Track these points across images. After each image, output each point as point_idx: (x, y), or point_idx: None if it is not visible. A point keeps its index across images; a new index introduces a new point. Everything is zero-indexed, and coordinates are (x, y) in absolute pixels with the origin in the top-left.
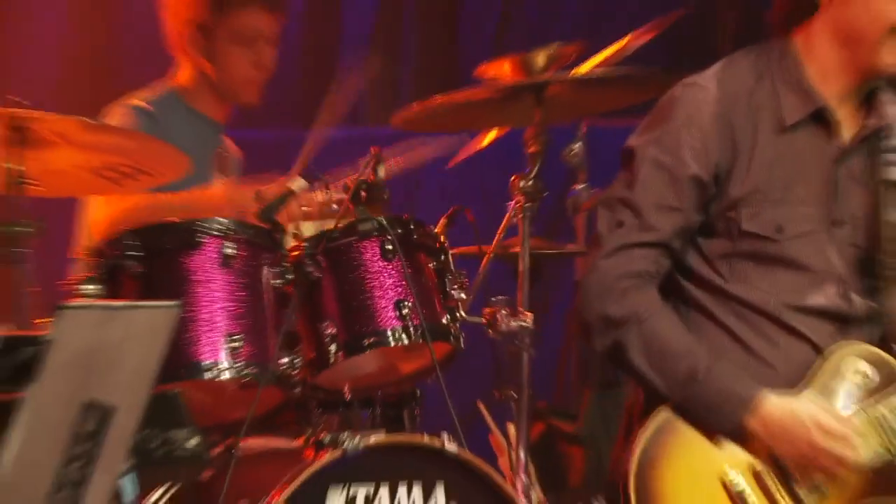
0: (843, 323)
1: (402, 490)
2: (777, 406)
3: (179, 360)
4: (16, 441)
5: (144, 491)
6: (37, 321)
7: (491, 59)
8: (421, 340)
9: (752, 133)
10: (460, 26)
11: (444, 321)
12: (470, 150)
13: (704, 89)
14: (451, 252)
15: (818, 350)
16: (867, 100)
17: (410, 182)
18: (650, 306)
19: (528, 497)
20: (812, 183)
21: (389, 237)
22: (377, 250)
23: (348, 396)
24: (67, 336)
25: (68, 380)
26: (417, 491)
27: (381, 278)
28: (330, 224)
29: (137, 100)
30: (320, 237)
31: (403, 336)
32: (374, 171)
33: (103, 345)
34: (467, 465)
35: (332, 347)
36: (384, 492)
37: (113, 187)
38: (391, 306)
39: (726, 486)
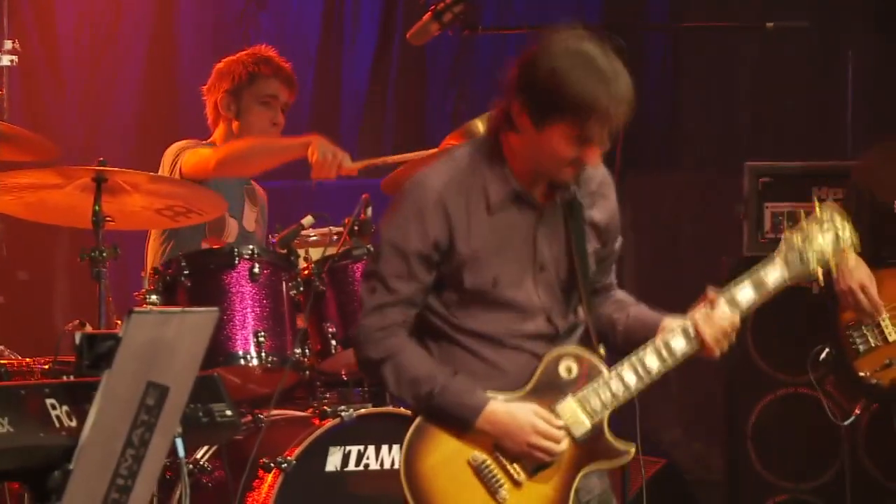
0: (551, 340)
1: (384, 449)
2: (499, 411)
3: (219, 351)
4: (96, 412)
5: (192, 449)
6: (116, 322)
7: (449, 126)
8: None
9: (465, 213)
10: (427, 101)
11: None
12: None
13: (424, 185)
14: None
15: (538, 357)
16: None
17: None
18: (398, 347)
19: None
20: (517, 244)
21: None
22: None
23: (345, 378)
24: (134, 334)
25: (135, 367)
26: (395, 449)
27: None
28: (331, 250)
29: (188, 145)
30: (325, 260)
31: None
32: (364, 211)
33: (162, 340)
34: None
35: (333, 342)
36: (371, 450)
37: (170, 222)
38: None
39: (470, 463)
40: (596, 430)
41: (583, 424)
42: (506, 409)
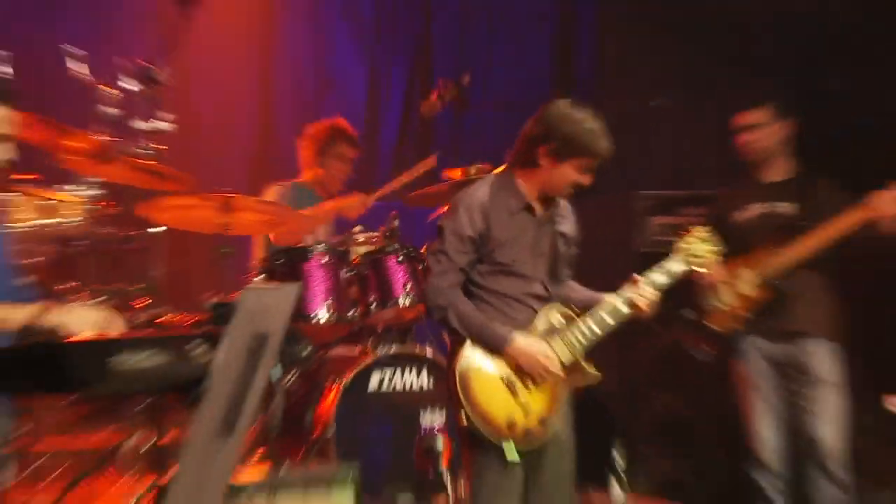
0: (545, 300)
1: (406, 375)
2: (521, 341)
3: (300, 312)
4: (222, 351)
5: (284, 374)
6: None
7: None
8: (416, 302)
9: (497, 216)
10: (431, 150)
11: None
12: (440, 212)
13: (473, 196)
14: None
15: (535, 311)
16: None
17: (410, 227)
18: (457, 299)
19: None
20: (527, 238)
21: (401, 254)
22: (395, 260)
23: (380, 330)
24: (247, 301)
25: (247, 321)
26: (414, 370)
27: (397, 274)
28: (372, 248)
29: (284, 183)
30: (369, 254)
31: (407, 300)
32: (393, 222)
33: (264, 305)
34: (437, 363)
35: (373, 306)
36: (397, 376)
37: (267, 230)
38: (401, 286)
39: (500, 377)
40: (576, 359)
41: (568, 355)
42: (525, 340)
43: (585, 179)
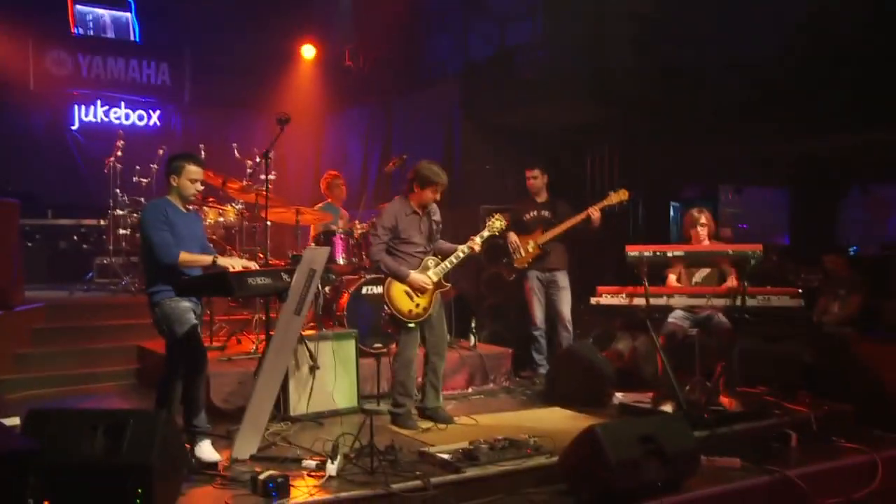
0: (426, 253)
1: (377, 288)
2: (413, 274)
3: (331, 259)
4: (294, 278)
5: (323, 287)
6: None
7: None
8: None
9: (402, 216)
10: (392, 189)
11: None
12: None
13: (391, 206)
14: None
15: (421, 259)
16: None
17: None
18: (385, 255)
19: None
20: (415, 225)
21: None
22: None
23: (368, 267)
24: (307, 255)
25: (307, 263)
26: (381, 286)
27: None
28: (364, 230)
29: (322, 202)
30: (363, 233)
31: None
32: (373, 219)
33: (314, 256)
34: None
35: (364, 257)
36: (374, 286)
37: (317, 221)
38: None
39: (404, 291)
40: (440, 280)
41: (436, 278)
42: (415, 273)
43: (437, 196)
